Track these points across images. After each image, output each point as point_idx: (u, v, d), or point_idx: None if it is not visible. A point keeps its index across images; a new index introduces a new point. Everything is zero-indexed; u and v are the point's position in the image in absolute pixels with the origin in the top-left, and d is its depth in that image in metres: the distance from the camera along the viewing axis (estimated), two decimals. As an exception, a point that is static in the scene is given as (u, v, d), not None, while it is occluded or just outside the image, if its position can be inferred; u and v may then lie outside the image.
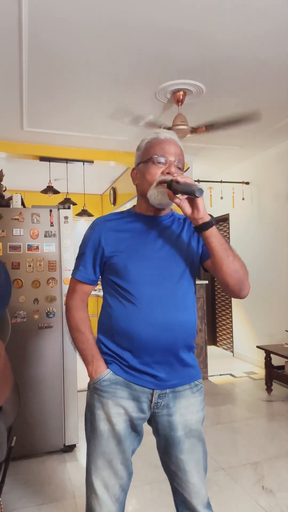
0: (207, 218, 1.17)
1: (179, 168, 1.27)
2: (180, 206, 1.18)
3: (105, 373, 1.26)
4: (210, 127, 3.06)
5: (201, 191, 1.12)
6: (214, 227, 1.18)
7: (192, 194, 1.13)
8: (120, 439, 1.25)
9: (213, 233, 1.18)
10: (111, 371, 1.26)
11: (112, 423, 1.24)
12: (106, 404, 1.25)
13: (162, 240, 1.29)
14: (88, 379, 1.32)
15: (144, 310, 1.22)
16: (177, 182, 1.16)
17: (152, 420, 1.31)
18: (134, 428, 1.28)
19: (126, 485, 1.29)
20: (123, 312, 1.24)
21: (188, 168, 4.46)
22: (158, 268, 1.25)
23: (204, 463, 1.32)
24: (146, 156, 1.28)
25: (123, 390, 1.25)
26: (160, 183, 1.23)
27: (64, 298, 2.75)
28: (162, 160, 1.25)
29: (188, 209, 1.18)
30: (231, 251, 1.21)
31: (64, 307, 2.74)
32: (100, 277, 1.37)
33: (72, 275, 1.38)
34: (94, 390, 1.28)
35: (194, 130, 3.03)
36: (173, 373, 1.25)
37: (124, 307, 1.24)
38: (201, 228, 1.18)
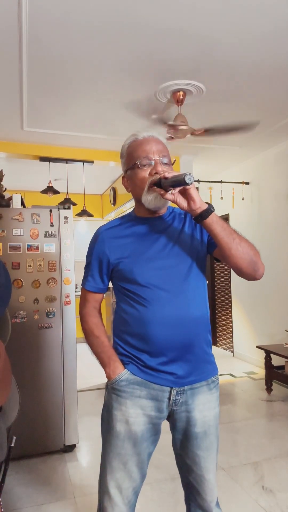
0: (205, 206, 1.16)
1: (165, 163, 1.26)
2: (175, 202, 1.17)
3: (123, 373, 1.27)
4: (208, 131, 3.07)
5: (190, 177, 1.08)
6: (213, 213, 1.16)
7: (182, 183, 1.09)
8: (137, 441, 1.25)
9: (213, 220, 1.16)
10: (129, 371, 1.27)
11: (129, 423, 1.25)
12: (125, 404, 1.26)
13: (165, 239, 1.29)
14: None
15: (155, 312, 1.22)
16: (165, 178, 1.14)
17: (171, 417, 1.31)
18: (153, 430, 1.28)
19: (139, 488, 1.30)
20: (136, 315, 1.25)
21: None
22: (164, 268, 1.26)
23: (216, 461, 1.34)
24: (130, 162, 1.28)
25: (141, 389, 1.25)
26: (150, 186, 1.22)
27: (64, 298, 2.75)
28: (147, 162, 1.24)
29: (183, 203, 1.17)
30: (236, 234, 1.19)
31: (64, 307, 2.75)
32: (110, 283, 1.39)
33: (82, 285, 1.41)
34: (112, 390, 1.29)
35: (194, 132, 3.03)
36: (190, 370, 1.26)
37: (136, 311, 1.25)
38: (201, 217, 1.16)
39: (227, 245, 1.17)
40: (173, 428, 1.33)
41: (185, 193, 1.15)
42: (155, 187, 1.19)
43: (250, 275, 1.23)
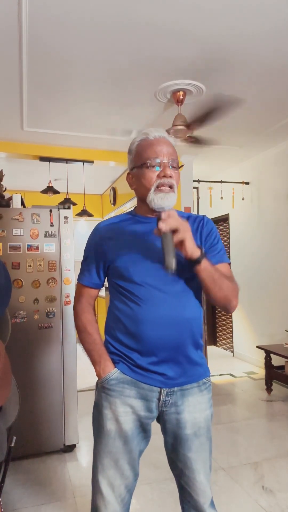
0: (196, 255, 1.17)
1: (173, 167, 1.26)
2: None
3: (113, 372, 1.27)
4: (192, 124, 3.03)
5: (171, 269, 1.10)
6: (204, 261, 1.18)
7: (164, 265, 1.11)
8: (127, 439, 1.25)
9: (201, 268, 1.18)
10: (119, 370, 1.27)
11: (119, 422, 1.25)
12: (114, 403, 1.26)
13: None
14: (94, 379, 1.33)
15: (149, 311, 1.22)
16: (159, 229, 1.13)
17: (161, 419, 1.31)
18: (142, 428, 1.28)
19: (132, 486, 1.30)
20: (129, 313, 1.25)
21: (183, 165, 4.46)
22: (160, 269, 1.25)
23: (209, 462, 1.33)
24: (139, 161, 1.27)
25: (130, 389, 1.25)
26: (159, 187, 1.23)
27: (64, 298, 2.75)
28: (156, 163, 1.24)
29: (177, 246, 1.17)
30: (219, 281, 1.21)
31: (64, 307, 2.75)
32: (105, 280, 1.39)
33: (78, 280, 1.41)
34: (102, 389, 1.29)
35: (187, 127, 3.00)
36: (180, 371, 1.26)
37: (129, 309, 1.25)
38: (192, 264, 1.19)
39: (207, 289, 1.24)
40: (163, 430, 1.33)
41: (181, 243, 1.16)
42: (163, 190, 1.22)
43: (221, 309, 1.33)
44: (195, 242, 1.25)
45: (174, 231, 1.14)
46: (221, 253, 1.33)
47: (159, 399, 1.26)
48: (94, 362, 1.31)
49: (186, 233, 1.15)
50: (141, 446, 1.31)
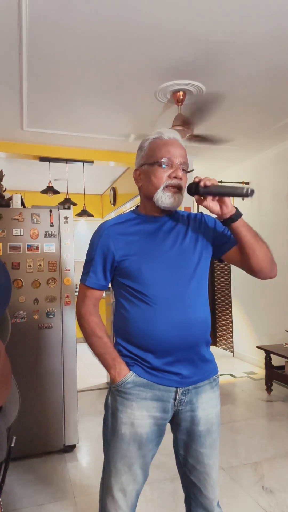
0: (234, 210, 1.22)
1: (184, 170, 1.27)
2: (207, 207, 1.22)
3: (129, 375, 1.26)
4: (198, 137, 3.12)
5: (252, 191, 1.16)
6: (242, 217, 1.22)
7: (241, 195, 1.17)
8: (142, 443, 1.25)
9: (241, 223, 1.22)
10: (134, 373, 1.26)
11: (135, 426, 1.24)
12: (130, 407, 1.25)
13: (171, 239, 1.30)
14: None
15: (161, 311, 1.22)
16: (205, 186, 1.20)
17: (174, 418, 1.31)
18: (157, 431, 1.28)
19: (141, 490, 1.30)
20: (140, 314, 1.24)
21: (192, 170, 4.47)
22: (170, 268, 1.26)
23: (218, 459, 1.34)
24: (151, 159, 1.27)
25: (146, 391, 1.25)
26: (168, 187, 1.24)
27: (64, 298, 2.75)
28: (169, 163, 1.25)
29: (216, 208, 1.22)
30: (259, 237, 1.26)
31: (64, 307, 2.75)
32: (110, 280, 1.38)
33: (81, 281, 1.36)
34: (117, 392, 1.27)
35: (187, 127, 3.01)
36: (194, 369, 1.27)
37: (140, 309, 1.24)
38: (231, 221, 1.22)
39: (252, 246, 1.23)
40: (176, 429, 1.33)
41: (219, 199, 1.21)
42: (175, 190, 1.25)
43: (268, 274, 1.31)
44: (199, 236, 1.31)
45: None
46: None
47: (175, 399, 1.26)
48: (108, 366, 1.28)
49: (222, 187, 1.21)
50: (154, 451, 1.30)
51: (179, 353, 1.23)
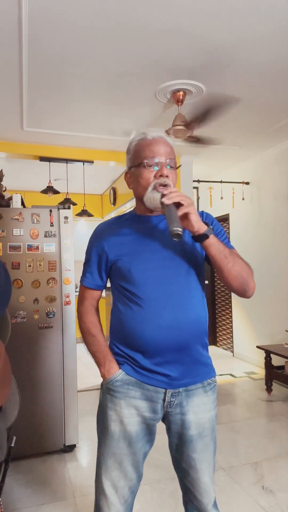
0: (203, 230, 1.17)
1: (171, 167, 1.26)
2: None
3: (118, 373, 1.27)
4: (192, 123, 3.06)
5: (177, 235, 1.08)
6: (211, 236, 1.18)
7: (169, 234, 1.10)
8: (132, 441, 1.25)
9: (210, 243, 1.18)
10: (123, 372, 1.26)
11: (124, 423, 1.24)
12: (119, 404, 1.25)
13: (164, 239, 1.29)
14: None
15: (151, 312, 1.22)
16: (162, 203, 1.16)
17: (166, 419, 1.31)
18: (147, 430, 1.28)
19: (135, 487, 1.30)
20: (131, 314, 1.24)
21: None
22: (162, 268, 1.25)
23: (213, 463, 1.33)
24: (136, 160, 1.28)
25: (135, 390, 1.25)
26: (155, 187, 1.23)
27: (64, 298, 2.75)
28: (153, 162, 1.24)
29: (182, 222, 1.17)
30: (230, 257, 1.21)
31: (64, 307, 2.75)
32: (107, 281, 1.39)
33: (80, 282, 1.40)
34: (107, 390, 1.29)
35: (187, 127, 3.00)
36: (185, 372, 1.25)
37: (132, 310, 1.25)
38: (197, 239, 1.19)
39: (220, 267, 1.21)
40: (168, 431, 1.33)
41: (185, 217, 1.16)
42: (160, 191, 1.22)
43: (239, 295, 1.29)
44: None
45: (178, 206, 1.14)
46: (227, 241, 1.31)
47: (164, 400, 1.25)
48: (98, 364, 1.31)
49: (191, 207, 1.14)
50: (146, 448, 1.30)
51: (169, 354, 1.22)
